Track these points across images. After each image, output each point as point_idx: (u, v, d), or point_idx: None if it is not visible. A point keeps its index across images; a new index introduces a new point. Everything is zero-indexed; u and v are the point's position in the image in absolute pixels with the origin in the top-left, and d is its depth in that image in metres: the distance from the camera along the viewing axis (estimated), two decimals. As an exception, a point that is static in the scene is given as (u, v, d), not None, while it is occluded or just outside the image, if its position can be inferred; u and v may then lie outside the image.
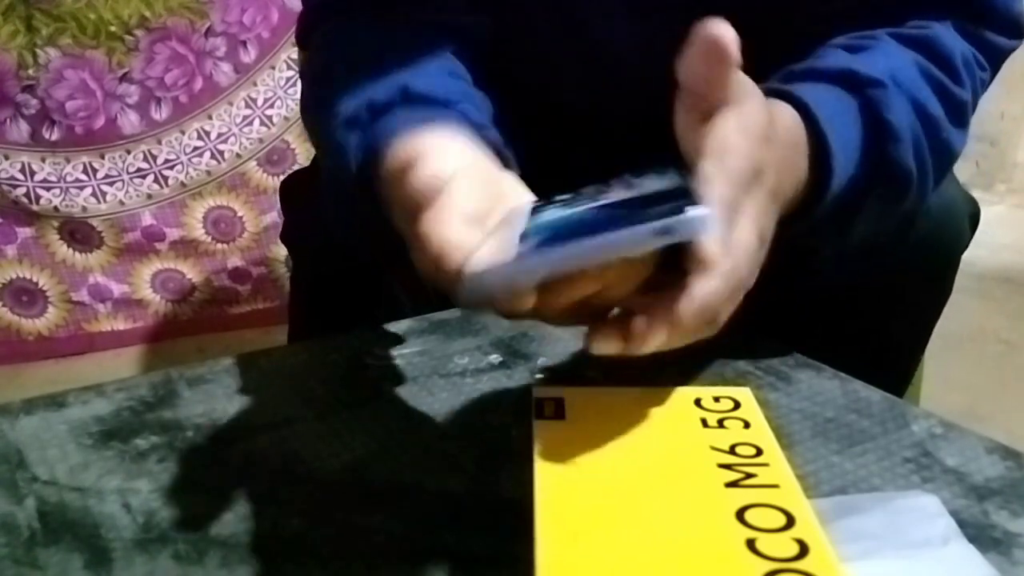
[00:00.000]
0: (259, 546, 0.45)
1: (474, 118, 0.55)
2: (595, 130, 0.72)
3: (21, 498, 0.49)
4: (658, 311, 0.38)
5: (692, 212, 0.36)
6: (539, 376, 0.62)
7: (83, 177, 1.65)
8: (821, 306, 0.67)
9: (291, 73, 1.74)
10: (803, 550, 0.35)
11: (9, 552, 0.45)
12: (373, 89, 0.56)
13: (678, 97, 0.43)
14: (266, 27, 1.71)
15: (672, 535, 0.38)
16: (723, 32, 0.40)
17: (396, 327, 0.69)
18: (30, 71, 1.57)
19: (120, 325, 1.73)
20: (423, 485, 0.50)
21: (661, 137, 0.44)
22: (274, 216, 1.76)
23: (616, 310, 0.42)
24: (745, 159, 0.41)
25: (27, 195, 1.62)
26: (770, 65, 0.55)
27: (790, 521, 0.38)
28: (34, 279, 1.67)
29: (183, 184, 1.72)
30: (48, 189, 1.63)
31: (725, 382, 0.60)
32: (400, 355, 0.65)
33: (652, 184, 0.41)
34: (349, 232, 0.62)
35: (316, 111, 0.62)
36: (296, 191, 0.82)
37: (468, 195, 0.42)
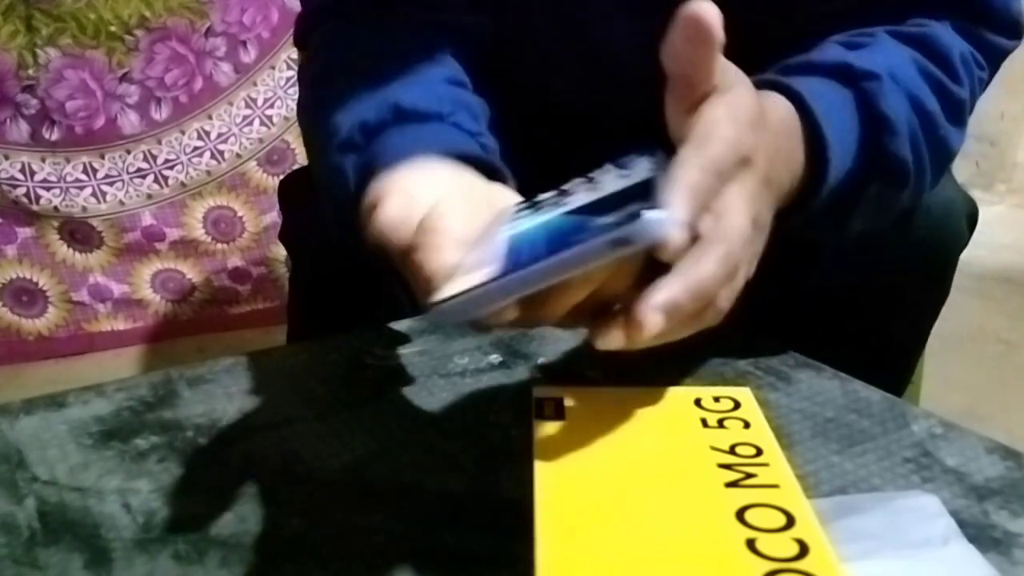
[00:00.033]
0: (259, 546, 0.45)
1: (468, 127, 0.55)
2: (595, 130, 0.72)
3: (21, 498, 0.49)
4: (654, 297, 0.38)
5: (647, 216, 0.35)
6: (539, 376, 0.62)
7: (83, 177, 1.65)
8: (820, 306, 0.67)
9: (291, 73, 1.74)
10: (803, 550, 0.35)
11: (9, 552, 0.45)
12: (366, 108, 0.57)
13: (667, 86, 0.43)
14: (266, 27, 1.71)
15: (672, 535, 0.38)
16: (705, 11, 0.38)
17: (396, 327, 0.69)
18: (30, 71, 1.57)
19: (120, 325, 1.73)
20: (423, 485, 0.50)
21: (661, 137, 0.44)
22: (274, 216, 1.76)
23: (617, 306, 0.42)
24: (728, 145, 0.41)
25: (27, 195, 1.62)
26: (769, 64, 0.55)
27: (790, 521, 0.38)
28: (34, 279, 1.67)
29: (183, 184, 1.72)
30: (48, 189, 1.63)
31: (725, 382, 0.60)
32: (400, 355, 0.65)
33: (616, 182, 0.40)
34: (349, 236, 0.62)
35: (314, 113, 0.62)
36: (295, 191, 0.82)
37: (452, 218, 0.41)
